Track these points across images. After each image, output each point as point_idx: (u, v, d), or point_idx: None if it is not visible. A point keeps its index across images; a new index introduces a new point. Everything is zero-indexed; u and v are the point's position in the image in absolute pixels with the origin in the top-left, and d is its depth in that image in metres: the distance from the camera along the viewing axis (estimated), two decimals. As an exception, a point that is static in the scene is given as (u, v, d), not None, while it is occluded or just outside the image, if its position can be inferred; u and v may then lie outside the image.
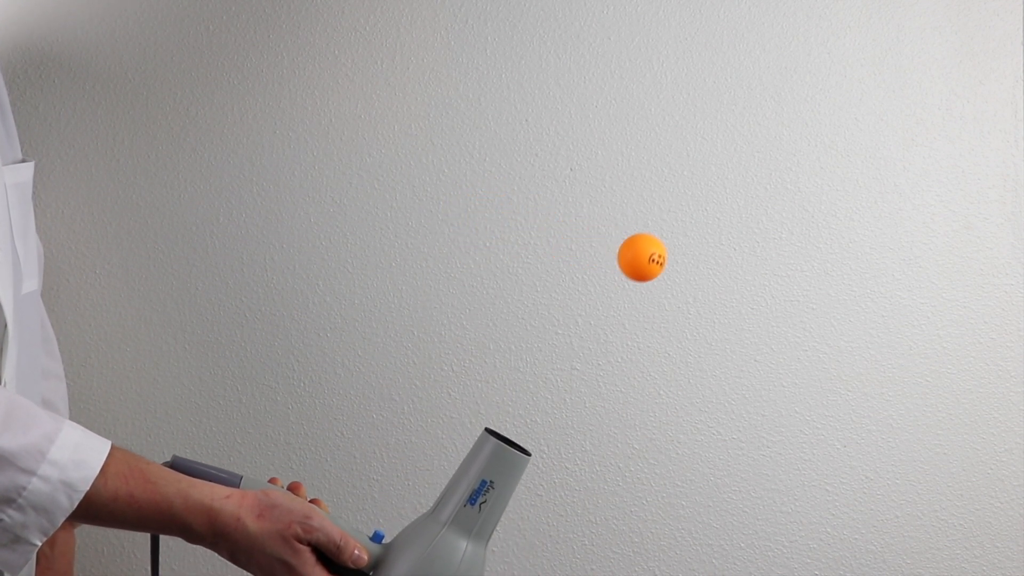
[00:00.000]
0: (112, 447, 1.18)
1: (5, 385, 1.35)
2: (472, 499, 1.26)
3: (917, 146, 1.88)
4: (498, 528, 1.85)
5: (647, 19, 1.86)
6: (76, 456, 1.14)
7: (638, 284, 1.87)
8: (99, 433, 1.85)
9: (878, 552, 1.91)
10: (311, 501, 1.27)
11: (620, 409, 1.89)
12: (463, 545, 1.26)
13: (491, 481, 1.26)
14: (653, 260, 1.35)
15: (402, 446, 1.87)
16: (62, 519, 1.14)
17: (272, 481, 1.28)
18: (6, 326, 1.35)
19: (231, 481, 1.24)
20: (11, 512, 1.12)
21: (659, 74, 1.86)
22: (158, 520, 1.18)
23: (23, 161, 1.48)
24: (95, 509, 1.15)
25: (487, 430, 1.28)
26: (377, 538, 1.28)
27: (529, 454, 1.27)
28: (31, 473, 1.12)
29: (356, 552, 1.24)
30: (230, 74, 1.83)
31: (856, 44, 1.87)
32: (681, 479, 1.90)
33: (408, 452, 1.87)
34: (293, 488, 1.29)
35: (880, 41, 1.87)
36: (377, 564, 1.27)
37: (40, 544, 1.15)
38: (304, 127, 1.84)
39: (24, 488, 1.12)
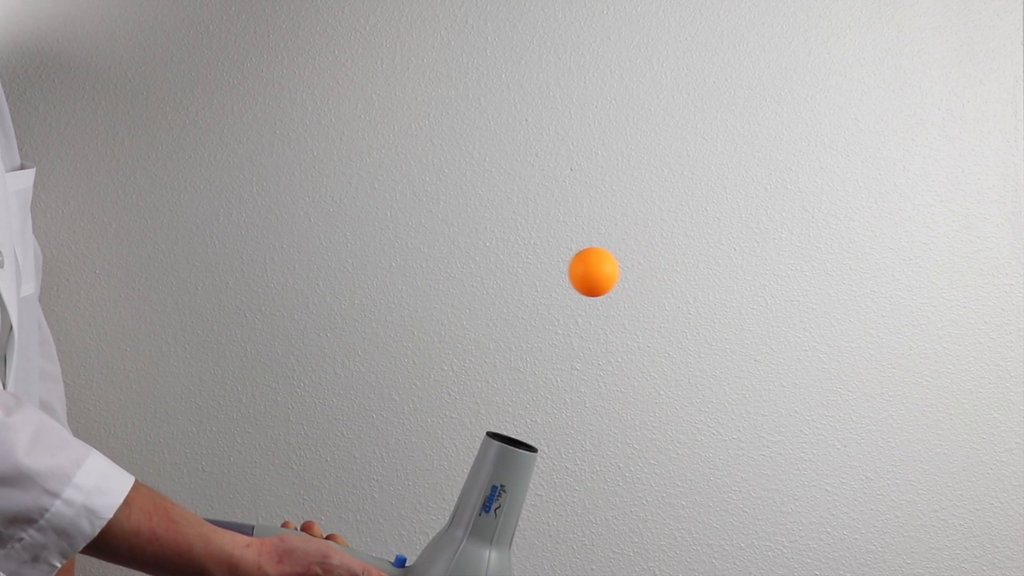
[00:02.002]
0: (136, 482, 1.17)
1: (5, 388, 1.35)
2: (486, 506, 1.25)
3: (917, 146, 1.88)
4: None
5: (647, 19, 1.85)
6: (102, 484, 1.13)
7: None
8: (99, 433, 1.86)
9: (878, 552, 1.91)
10: (328, 536, 1.27)
11: (620, 409, 1.89)
12: (486, 554, 1.24)
13: (502, 485, 1.25)
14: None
15: (402, 446, 1.87)
16: (82, 544, 1.13)
17: (285, 525, 1.29)
18: (11, 328, 1.36)
19: (243, 531, 1.24)
20: (32, 532, 1.11)
21: (659, 74, 1.86)
22: (177, 563, 1.17)
23: (23, 167, 1.48)
24: (116, 542, 1.14)
25: (489, 434, 1.27)
26: (399, 562, 1.27)
27: (535, 450, 1.26)
28: (55, 495, 1.11)
29: None
30: (230, 74, 1.83)
31: (856, 44, 1.87)
32: (681, 479, 1.90)
33: (408, 452, 1.87)
34: (307, 527, 1.29)
35: (880, 41, 1.87)
36: None
37: (60, 566, 1.14)
38: (304, 127, 1.84)
39: (47, 510, 1.11)
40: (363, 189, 1.85)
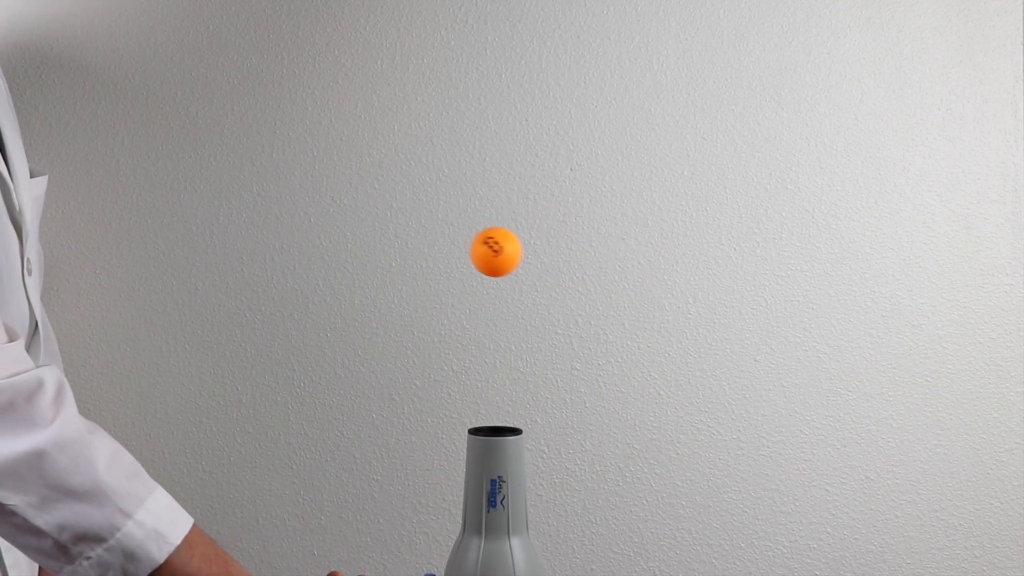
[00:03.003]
0: (195, 524, 1.17)
1: None
2: (492, 502, 1.26)
3: (917, 146, 1.88)
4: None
5: (647, 19, 1.86)
6: (169, 514, 1.14)
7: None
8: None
9: (878, 552, 1.91)
10: None
11: (620, 409, 1.89)
12: (507, 547, 1.25)
13: (499, 477, 1.26)
14: (488, 244, 1.29)
15: (402, 446, 1.87)
16: (148, 570, 1.12)
17: None
18: (36, 328, 1.37)
19: None
20: (100, 551, 1.11)
21: (659, 74, 1.86)
22: None
23: (33, 174, 1.50)
24: None
25: (471, 431, 1.28)
26: None
27: (520, 431, 1.26)
28: (128, 516, 1.12)
29: None
30: (230, 74, 1.83)
31: (856, 44, 1.87)
32: (681, 479, 1.90)
33: (408, 452, 1.87)
34: None
35: (880, 41, 1.87)
36: None
37: None
38: (304, 127, 1.84)
39: (119, 529, 1.11)
40: (363, 189, 1.85)
